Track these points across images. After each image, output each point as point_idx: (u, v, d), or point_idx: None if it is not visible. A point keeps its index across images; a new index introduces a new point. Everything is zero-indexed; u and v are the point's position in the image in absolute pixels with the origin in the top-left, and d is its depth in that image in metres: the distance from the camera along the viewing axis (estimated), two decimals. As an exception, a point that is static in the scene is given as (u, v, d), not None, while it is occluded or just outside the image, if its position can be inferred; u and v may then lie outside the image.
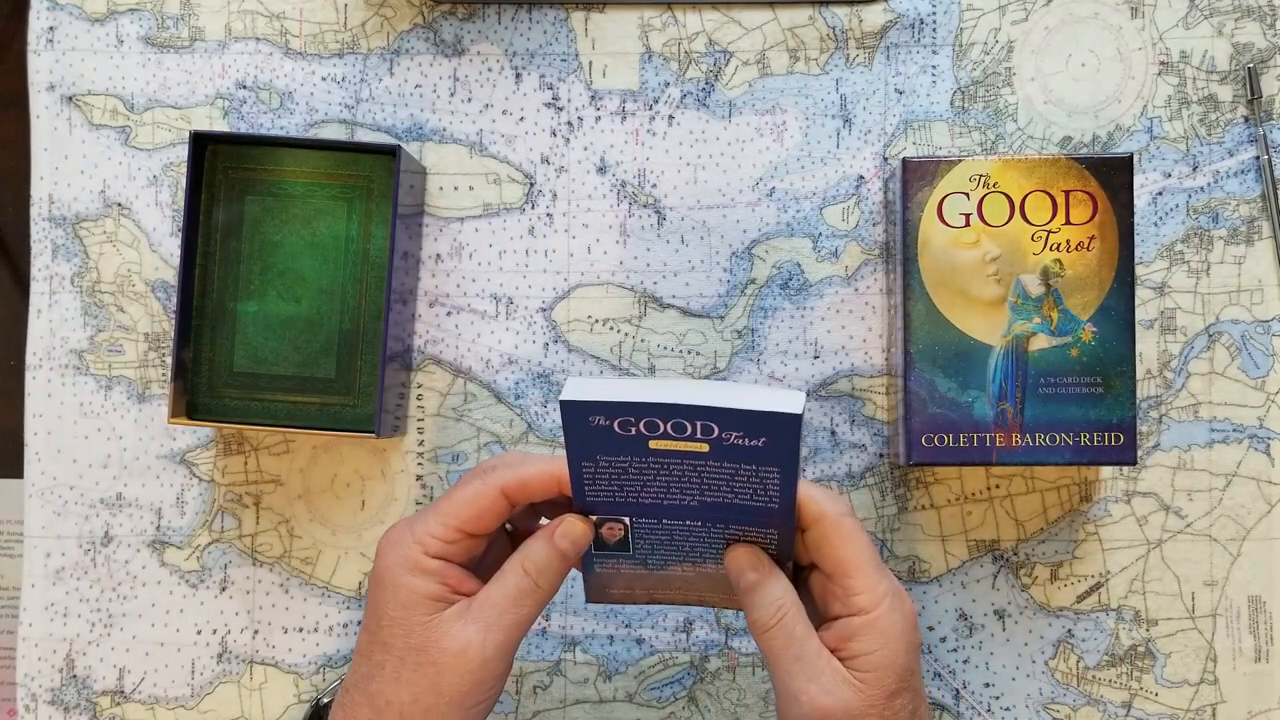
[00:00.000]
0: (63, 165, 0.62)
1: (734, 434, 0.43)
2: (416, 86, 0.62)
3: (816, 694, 0.45)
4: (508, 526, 0.52)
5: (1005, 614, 0.61)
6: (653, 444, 0.44)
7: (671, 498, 0.47)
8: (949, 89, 0.62)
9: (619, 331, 0.62)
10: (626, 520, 0.48)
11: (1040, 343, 0.55)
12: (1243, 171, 0.61)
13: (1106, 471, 0.61)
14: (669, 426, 0.43)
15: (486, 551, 0.50)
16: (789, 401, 0.42)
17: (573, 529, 0.48)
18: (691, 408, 0.42)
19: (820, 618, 0.48)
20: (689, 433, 0.43)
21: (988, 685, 0.61)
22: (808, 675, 0.46)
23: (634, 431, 0.44)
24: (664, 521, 0.48)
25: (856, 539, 0.47)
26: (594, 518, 0.48)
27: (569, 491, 0.48)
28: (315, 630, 0.61)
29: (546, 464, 0.48)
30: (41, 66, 0.63)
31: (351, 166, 0.59)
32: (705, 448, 0.44)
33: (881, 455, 0.61)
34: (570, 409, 0.43)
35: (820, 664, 0.46)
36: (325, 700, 0.60)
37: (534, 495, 0.48)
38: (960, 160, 0.56)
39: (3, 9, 0.66)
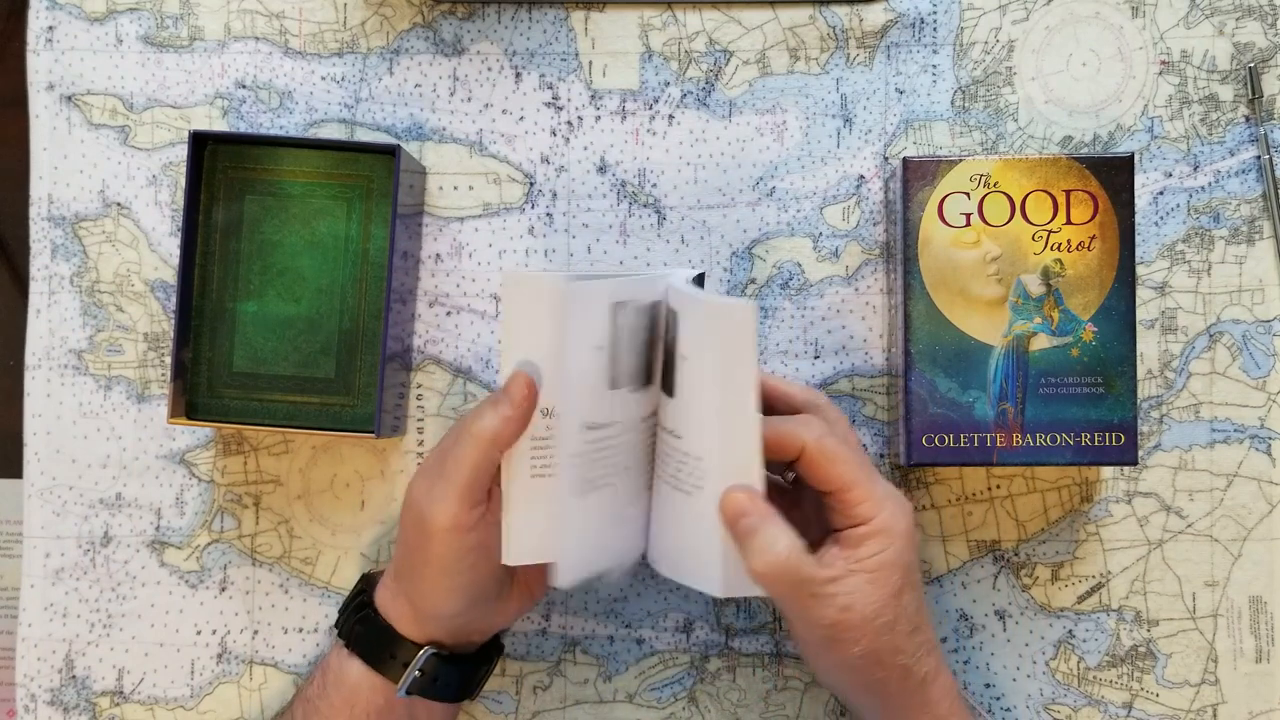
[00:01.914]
0: (62, 165, 0.62)
1: None
2: (416, 86, 0.62)
3: (834, 614, 0.48)
4: None
5: (1006, 614, 0.61)
6: None
7: None
8: (949, 88, 0.62)
9: (619, 331, 0.62)
10: None
11: (1041, 343, 0.55)
12: (1244, 171, 0.61)
13: (1107, 472, 0.61)
14: None
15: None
16: None
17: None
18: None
19: (824, 527, 0.51)
20: None
21: (988, 686, 0.60)
22: (822, 605, 0.48)
23: None
24: None
25: (841, 456, 0.49)
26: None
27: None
28: (315, 630, 0.61)
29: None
30: (41, 66, 0.62)
31: (351, 166, 0.59)
32: None
33: (882, 455, 0.61)
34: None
35: (833, 590, 0.48)
36: (375, 572, 0.59)
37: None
38: (961, 160, 0.56)
39: (2, 9, 0.66)
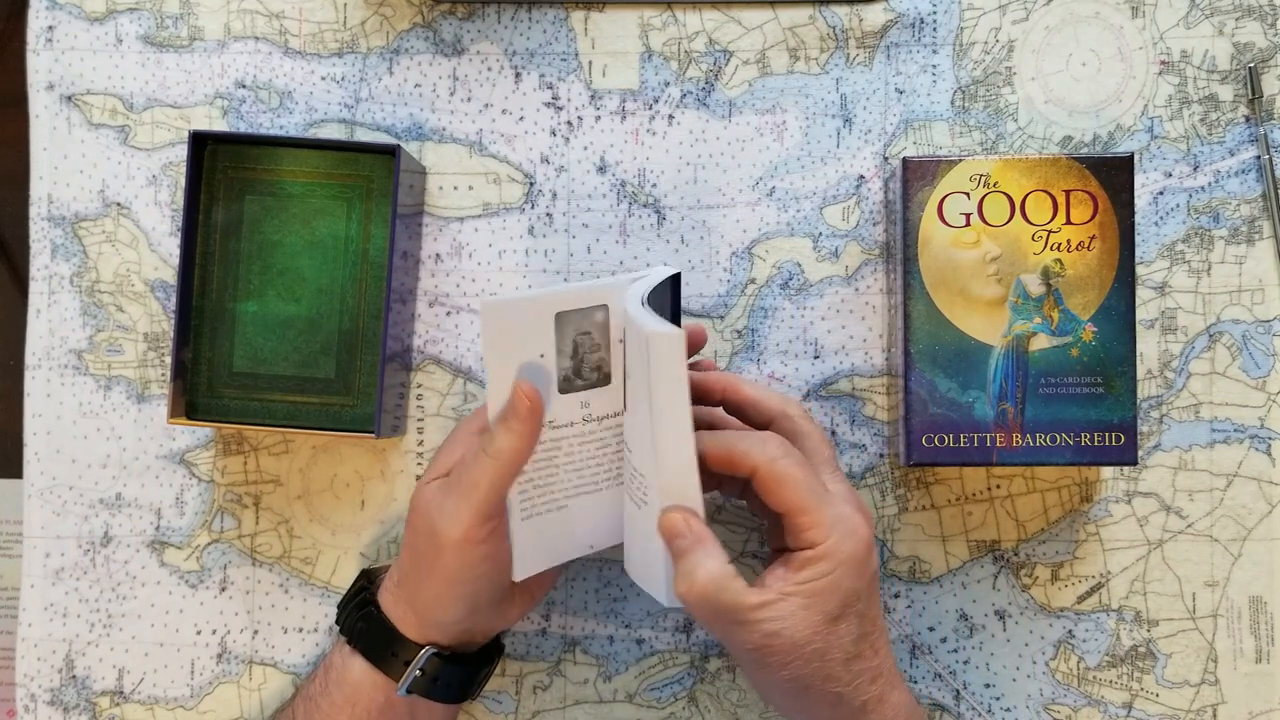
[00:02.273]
0: (62, 165, 0.62)
1: None
2: (416, 86, 0.62)
3: (759, 639, 0.47)
4: None
5: (1006, 614, 0.61)
6: None
7: None
8: (949, 88, 0.62)
9: (619, 331, 0.62)
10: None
11: (1041, 343, 0.55)
12: (1243, 171, 0.61)
13: (1107, 471, 0.61)
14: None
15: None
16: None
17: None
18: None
19: (784, 544, 0.50)
20: None
21: (988, 686, 0.60)
22: (746, 632, 0.47)
23: None
24: None
25: (792, 479, 0.48)
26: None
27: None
28: (315, 630, 0.61)
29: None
30: (41, 66, 0.62)
31: (351, 166, 0.59)
32: None
33: (882, 455, 0.61)
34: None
35: (759, 616, 0.47)
36: (375, 568, 0.60)
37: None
38: (960, 160, 0.56)
39: (2, 8, 0.66)
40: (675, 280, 0.54)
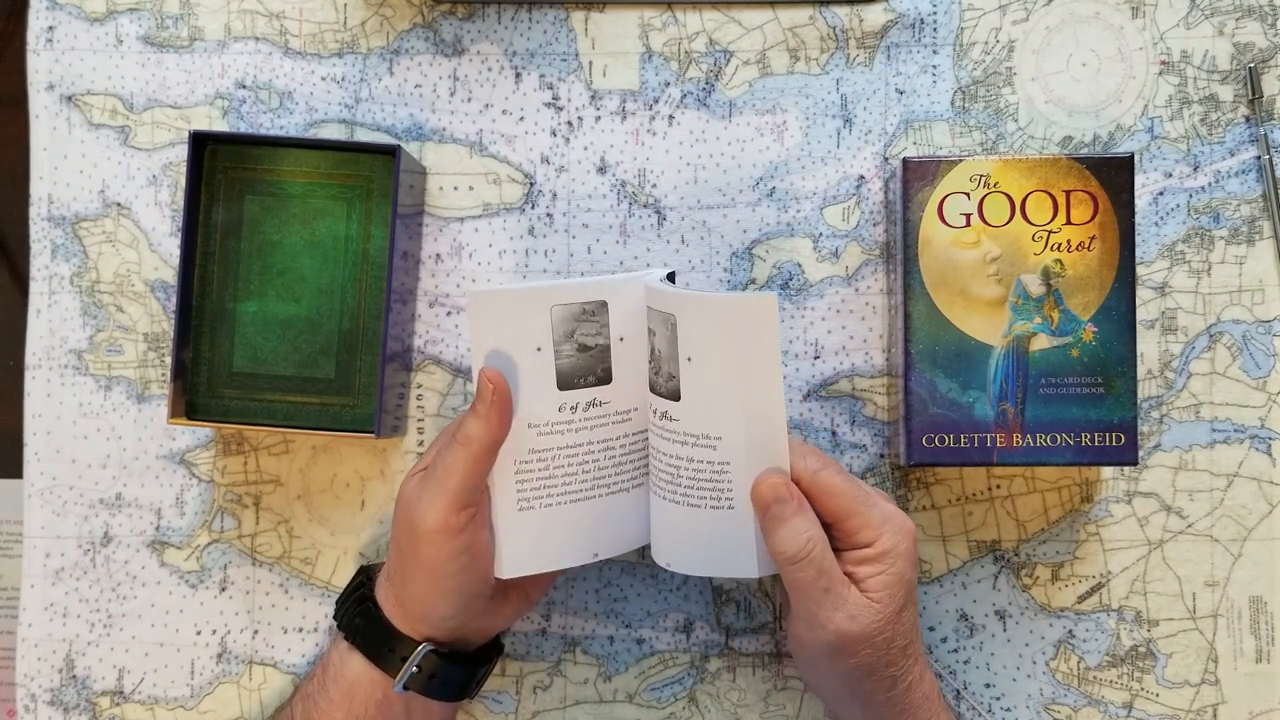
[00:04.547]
0: (62, 165, 0.62)
1: None
2: (416, 86, 0.62)
3: (842, 620, 0.50)
4: None
5: (1006, 614, 0.61)
6: None
7: None
8: (949, 89, 0.62)
9: (619, 331, 0.62)
10: None
11: (1041, 343, 0.55)
12: (1244, 171, 0.61)
13: (1107, 472, 0.61)
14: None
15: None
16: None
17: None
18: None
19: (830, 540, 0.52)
20: None
21: (988, 686, 0.60)
22: (834, 605, 0.50)
23: None
24: None
25: (836, 489, 0.51)
26: None
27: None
28: (315, 630, 0.61)
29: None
30: (41, 66, 0.62)
31: (351, 166, 0.59)
32: None
33: (882, 455, 0.61)
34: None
35: (845, 594, 0.50)
36: (373, 564, 0.60)
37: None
38: (961, 160, 0.56)
39: (2, 9, 0.66)
40: (670, 280, 0.55)
